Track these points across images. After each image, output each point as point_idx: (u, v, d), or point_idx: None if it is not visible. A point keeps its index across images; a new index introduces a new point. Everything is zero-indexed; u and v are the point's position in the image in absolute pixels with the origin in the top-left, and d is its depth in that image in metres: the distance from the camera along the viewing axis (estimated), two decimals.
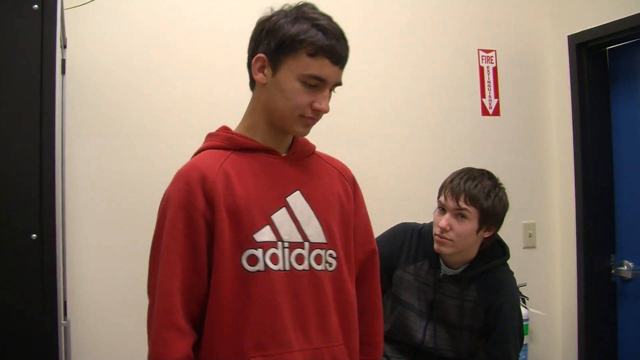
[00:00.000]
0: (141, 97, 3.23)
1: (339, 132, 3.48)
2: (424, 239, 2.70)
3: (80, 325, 3.10)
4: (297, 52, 1.77)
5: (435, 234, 2.58)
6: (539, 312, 3.74)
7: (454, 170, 2.67)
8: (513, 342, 2.59)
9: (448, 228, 2.54)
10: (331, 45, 1.77)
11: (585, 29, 3.69)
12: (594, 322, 3.74)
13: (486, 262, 2.64)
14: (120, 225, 3.18)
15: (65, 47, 3.03)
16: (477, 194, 2.55)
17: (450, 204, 2.55)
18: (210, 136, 1.98)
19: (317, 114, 1.83)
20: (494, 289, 2.60)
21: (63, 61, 2.96)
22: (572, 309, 3.82)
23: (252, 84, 1.93)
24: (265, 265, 1.77)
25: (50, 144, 2.04)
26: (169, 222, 1.80)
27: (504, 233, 3.73)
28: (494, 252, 2.69)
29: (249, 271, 1.77)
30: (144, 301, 3.13)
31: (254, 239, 1.77)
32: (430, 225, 2.70)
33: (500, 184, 2.65)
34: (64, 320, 2.69)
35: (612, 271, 3.74)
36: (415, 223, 2.80)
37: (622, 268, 3.67)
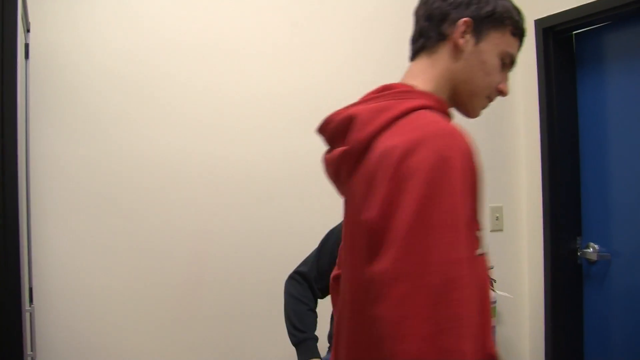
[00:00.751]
0: (108, 81, 3.19)
1: (273, 107, 3.49)
2: None
3: (46, 311, 3.08)
4: (504, 28, 1.63)
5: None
6: (506, 294, 3.77)
7: None
8: None
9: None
10: (525, 30, 1.68)
11: (552, 13, 3.70)
12: (561, 303, 3.79)
13: None
14: (87, 210, 3.15)
15: (28, 31, 2.99)
16: None
17: None
18: (416, 94, 1.54)
19: (497, 96, 1.68)
20: None
21: (26, 45, 2.93)
22: (539, 291, 3.86)
23: (434, 45, 1.64)
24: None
25: (12, 129, 2.03)
26: (460, 199, 1.28)
27: None
28: None
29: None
30: (113, 287, 3.13)
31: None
32: None
33: None
34: (29, 307, 2.67)
35: (578, 253, 3.78)
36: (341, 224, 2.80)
37: (588, 250, 3.71)
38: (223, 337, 3.36)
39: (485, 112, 3.82)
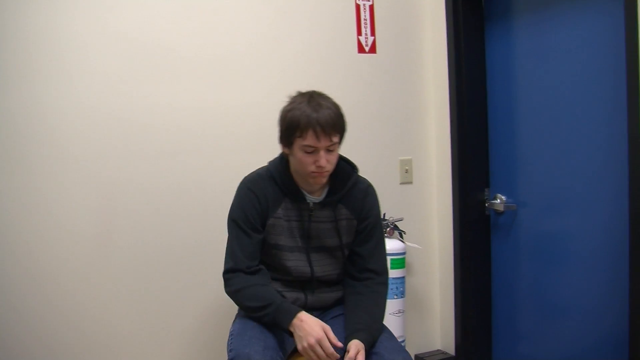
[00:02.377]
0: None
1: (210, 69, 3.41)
2: (277, 181, 2.70)
3: None
4: None
5: (312, 172, 2.59)
6: (415, 245, 3.82)
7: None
8: (381, 232, 2.86)
9: (326, 164, 2.58)
10: None
11: None
12: (470, 253, 3.87)
13: (345, 181, 2.74)
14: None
15: None
16: (337, 120, 2.58)
17: (324, 143, 2.54)
18: None
19: None
20: (362, 197, 2.80)
21: None
22: (448, 241, 3.93)
23: None
24: None
25: None
26: None
27: (380, 169, 3.81)
28: (345, 169, 2.76)
29: None
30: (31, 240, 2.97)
31: None
32: (275, 165, 2.73)
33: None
34: None
35: (486, 204, 3.86)
36: (253, 173, 2.77)
37: (496, 201, 3.79)
38: (137, 289, 3.31)
39: (394, 66, 3.88)
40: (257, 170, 2.78)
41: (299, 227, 2.72)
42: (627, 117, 2.91)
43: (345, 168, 2.76)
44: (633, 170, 2.90)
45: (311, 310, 2.73)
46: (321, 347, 2.44)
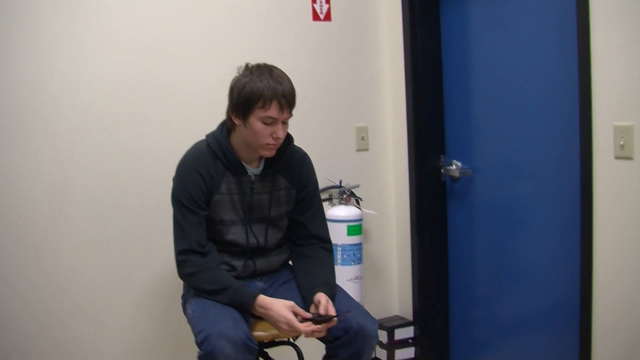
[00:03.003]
0: None
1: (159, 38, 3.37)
2: (218, 155, 2.69)
3: None
4: None
5: (268, 143, 2.62)
6: (372, 211, 3.84)
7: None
8: (320, 200, 2.94)
9: (283, 135, 2.63)
10: None
11: None
12: (426, 219, 3.91)
13: (282, 151, 2.75)
14: None
15: None
16: (295, 93, 2.63)
17: (285, 115, 2.60)
18: None
19: None
20: (299, 166, 2.84)
21: None
22: (405, 207, 3.96)
23: None
24: None
25: None
26: None
27: (337, 137, 3.81)
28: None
29: None
30: None
31: None
32: (215, 139, 2.72)
33: None
34: None
35: (442, 171, 3.89)
36: (194, 150, 2.75)
37: (451, 168, 3.82)
38: (93, 257, 3.28)
39: (349, 33, 3.88)
40: (196, 146, 2.76)
41: (241, 200, 2.73)
42: (578, 85, 2.95)
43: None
44: (583, 138, 2.95)
45: (261, 274, 2.83)
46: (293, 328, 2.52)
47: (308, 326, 2.50)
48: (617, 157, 2.84)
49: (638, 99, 2.75)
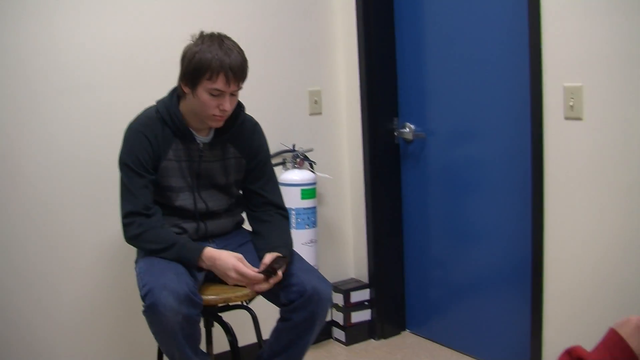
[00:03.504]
0: None
1: None
2: (167, 122, 2.67)
3: None
4: None
5: (214, 115, 2.60)
6: (326, 175, 3.83)
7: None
8: (272, 168, 2.94)
9: (230, 108, 2.62)
10: None
11: None
12: (380, 182, 3.92)
13: (233, 120, 2.74)
14: None
15: None
16: (245, 66, 2.62)
17: (233, 88, 2.57)
18: None
19: None
20: (249, 135, 2.83)
21: None
22: (359, 171, 3.96)
23: None
24: None
25: None
26: None
27: (289, 101, 3.79)
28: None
29: None
30: None
31: None
32: (164, 105, 2.69)
33: None
34: None
35: (395, 134, 3.89)
36: (142, 116, 2.73)
37: (405, 130, 3.83)
38: (42, 224, 3.22)
39: None
40: (145, 111, 2.74)
41: (189, 167, 2.72)
42: (528, 47, 2.97)
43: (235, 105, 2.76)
44: (534, 99, 2.98)
45: (212, 236, 2.83)
46: (242, 275, 2.54)
47: (254, 276, 2.53)
48: (567, 118, 2.88)
49: (587, 60, 2.78)
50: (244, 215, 2.99)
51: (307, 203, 3.64)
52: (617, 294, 2.78)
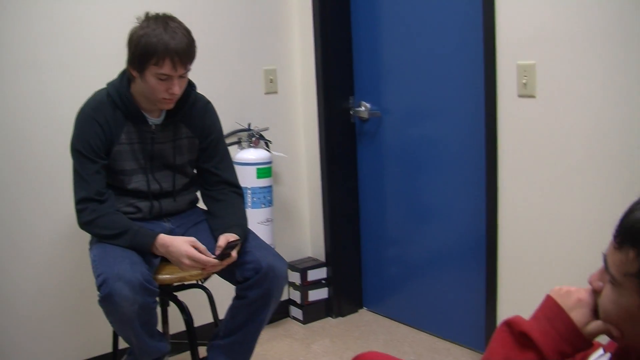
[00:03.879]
0: None
1: None
2: (118, 105, 2.64)
3: None
4: None
5: (164, 98, 2.59)
6: (281, 154, 3.82)
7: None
8: (225, 147, 2.93)
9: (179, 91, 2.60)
10: None
11: None
12: (336, 161, 3.93)
13: (185, 100, 2.72)
14: None
15: None
16: (192, 48, 2.60)
17: (180, 72, 2.55)
18: None
19: None
20: (201, 115, 2.82)
21: None
22: (315, 149, 3.96)
23: None
24: None
25: None
26: None
27: (245, 80, 3.77)
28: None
29: None
30: None
31: None
32: (115, 88, 2.66)
33: None
34: None
35: (351, 112, 3.89)
36: (93, 100, 2.69)
37: (360, 109, 3.83)
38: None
39: None
40: (96, 94, 2.70)
41: (142, 149, 2.70)
42: (482, 26, 2.99)
43: (185, 86, 2.73)
44: (488, 77, 3.01)
45: (167, 215, 2.83)
46: (195, 261, 2.53)
47: (207, 261, 2.53)
48: (520, 96, 2.90)
49: (540, 38, 2.81)
50: (198, 194, 2.97)
51: (263, 182, 3.63)
52: (569, 269, 2.83)
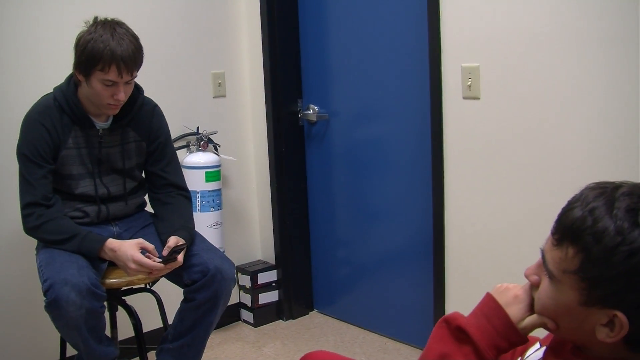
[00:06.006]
0: None
1: None
2: (65, 110, 2.63)
3: None
4: None
5: (109, 104, 2.58)
6: (230, 157, 3.82)
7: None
8: (173, 150, 2.93)
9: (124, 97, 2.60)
10: None
11: None
12: (285, 163, 3.94)
13: (132, 104, 2.72)
14: None
15: None
16: (138, 55, 2.60)
17: (126, 79, 2.54)
18: None
19: None
20: (148, 118, 2.82)
21: None
22: (264, 152, 3.97)
23: None
24: None
25: None
26: None
27: (193, 83, 3.76)
28: (131, 92, 2.71)
29: None
30: None
31: None
32: (61, 92, 2.64)
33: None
34: None
35: (299, 115, 3.91)
36: (40, 105, 2.66)
37: (308, 112, 3.85)
38: None
39: None
40: (42, 99, 2.68)
41: (89, 153, 2.69)
42: (428, 28, 3.03)
43: (131, 91, 2.72)
44: (433, 79, 3.05)
45: (115, 219, 2.82)
46: (141, 265, 2.51)
47: (154, 265, 2.51)
48: (465, 97, 2.95)
49: (484, 40, 2.85)
50: (146, 197, 2.96)
51: (212, 185, 3.63)
52: (515, 267, 2.86)
